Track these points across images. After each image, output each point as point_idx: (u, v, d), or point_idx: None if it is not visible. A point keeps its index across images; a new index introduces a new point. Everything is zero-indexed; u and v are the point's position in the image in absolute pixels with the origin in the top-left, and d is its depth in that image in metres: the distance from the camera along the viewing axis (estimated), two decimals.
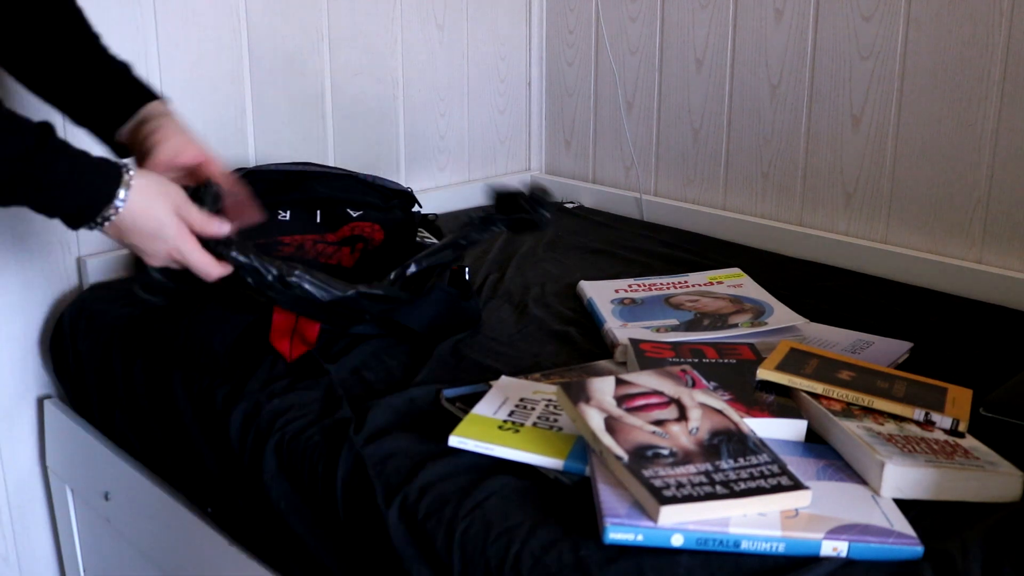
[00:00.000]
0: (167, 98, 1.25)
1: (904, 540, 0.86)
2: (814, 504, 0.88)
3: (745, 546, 0.85)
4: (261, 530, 1.17)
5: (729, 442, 0.94)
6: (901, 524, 0.88)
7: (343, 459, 1.05)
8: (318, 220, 1.48)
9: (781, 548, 0.85)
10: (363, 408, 1.13)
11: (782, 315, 1.38)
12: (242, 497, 1.18)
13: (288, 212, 1.49)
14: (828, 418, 1.02)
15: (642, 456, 0.91)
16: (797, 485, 0.88)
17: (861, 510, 0.89)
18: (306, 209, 1.50)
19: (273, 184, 1.54)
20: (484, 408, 1.06)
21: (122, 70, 1.26)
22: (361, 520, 1.01)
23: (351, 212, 1.50)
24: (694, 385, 1.05)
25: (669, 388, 1.04)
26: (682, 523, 0.85)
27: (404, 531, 0.96)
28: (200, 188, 1.19)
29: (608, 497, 0.88)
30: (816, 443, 1.02)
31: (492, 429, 1.02)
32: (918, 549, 0.85)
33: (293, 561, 1.13)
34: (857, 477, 0.95)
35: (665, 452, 0.92)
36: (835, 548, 0.85)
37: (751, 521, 0.86)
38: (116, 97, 1.23)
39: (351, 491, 1.03)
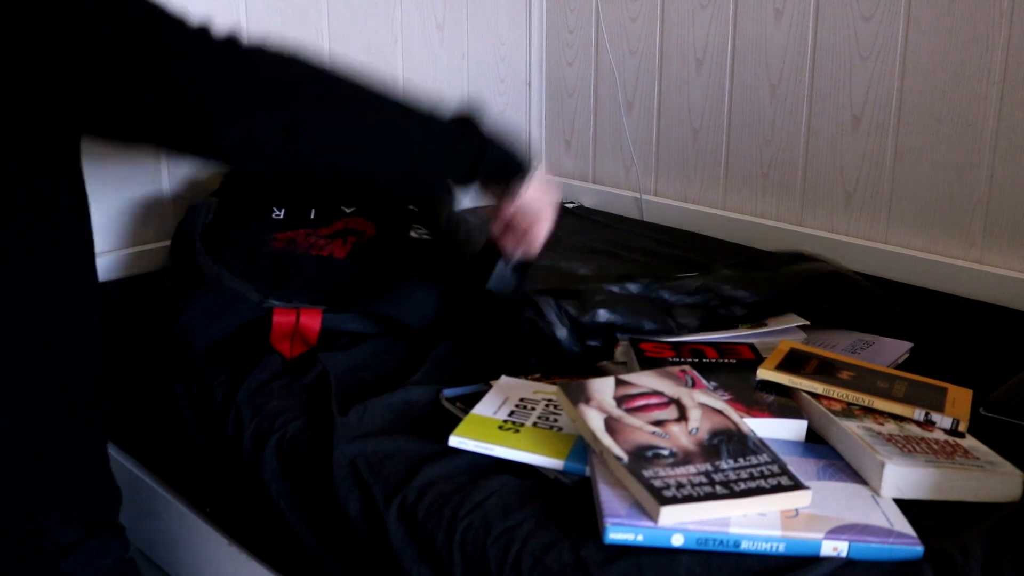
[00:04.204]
0: None
1: (904, 540, 0.86)
2: (814, 504, 0.88)
3: (745, 546, 0.85)
4: (261, 530, 1.17)
5: (729, 442, 0.94)
6: (901, 524, 0.88)
7: (342, 459, 1.05)
8: (312, 217, 1.48)
9: (781, 548, 0.85)
10: (362, 408, 1.13)
11: (782, 315, 1.37)
12: (242, 497, 1.18)
13: (283, 211, 1.48)
14: (828, 418, 1.02)
15: (642, 456, 0.91)
16: (797, 485, 0.88)
17: (861, 510, 0.89)
18: (301, 207, 1.50)
19: (268, 182, 1.54)
20: (484, 408, 1.06)
21: None
22: (360, 520, 1.01)
23: (344, 209, 1.50)
24: (694, 385, 1.05)
25: (669, 388, 1.04)
26: (682, 523, 0.85)
27: (403, 531, 0.96)
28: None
29: (608, 497, 0.88)
30: (816, 443, 1.02)
31: (492, 429, 1.02)
32: (918, 549, 0.85)
33: (293, 561, 1.13)
34: (857, 477, 0.95)
35: (665, 452, 0.92)
36: (835, 548, 0.85)
37: (751, 521, 0.85)
38: None
39: (350, 491, 1.03)
